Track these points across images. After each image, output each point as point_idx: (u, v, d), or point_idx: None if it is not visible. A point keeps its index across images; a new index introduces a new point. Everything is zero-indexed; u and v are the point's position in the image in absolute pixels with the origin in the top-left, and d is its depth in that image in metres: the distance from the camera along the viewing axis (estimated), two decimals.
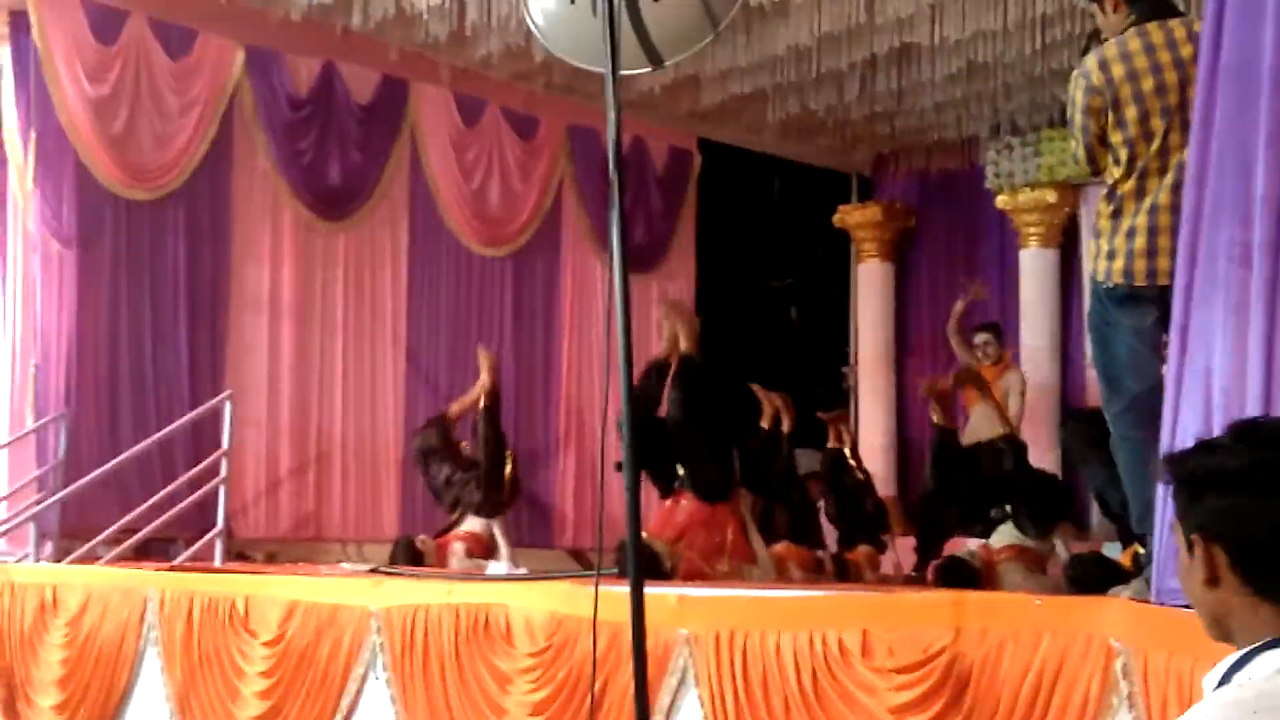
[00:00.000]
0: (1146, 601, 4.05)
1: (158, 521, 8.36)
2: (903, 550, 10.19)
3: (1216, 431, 3.83)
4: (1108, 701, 3.77)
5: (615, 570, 5.69)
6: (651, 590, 4.20)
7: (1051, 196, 11.82)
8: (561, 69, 9.63)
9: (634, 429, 3.84)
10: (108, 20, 9.20)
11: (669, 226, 12.11)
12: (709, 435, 8.03)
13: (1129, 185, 4.56)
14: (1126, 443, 4.58)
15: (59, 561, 8.21)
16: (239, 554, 9.22)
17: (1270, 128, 3.78)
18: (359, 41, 10.12)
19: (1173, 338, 4.06)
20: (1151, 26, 4.60)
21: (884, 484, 12.04)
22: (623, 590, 3.85)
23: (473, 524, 9.21)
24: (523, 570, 8.03)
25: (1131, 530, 5.08)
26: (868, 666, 4.31)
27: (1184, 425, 3.93)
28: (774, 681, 4.50)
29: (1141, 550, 4.90)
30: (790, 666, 4.47)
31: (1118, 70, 4.54)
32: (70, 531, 8.54)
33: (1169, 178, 4.48)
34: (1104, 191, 4.67)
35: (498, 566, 8.51)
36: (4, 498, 8.79)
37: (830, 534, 9.94)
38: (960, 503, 8.65)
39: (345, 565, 8.59)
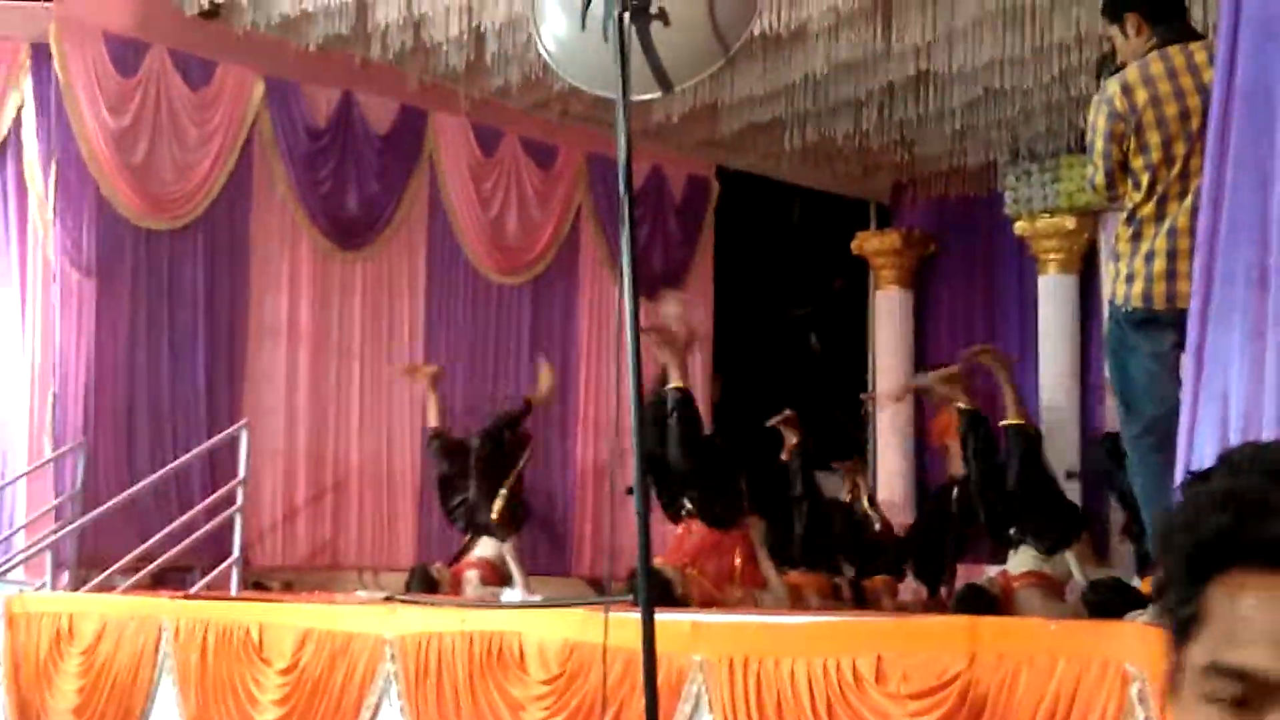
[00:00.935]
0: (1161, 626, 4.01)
1: (174, 550, 8.37)
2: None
3: None
4: None
5: (628, 597, 5.66)
6: (664, 617, 4.18)
7: (1070, 223, 11.78)
8: (579, 98, 9.65)
9: (644, 455, 3.83)
10: (128, 52, 9.26)
11: (687, 255, 12.11)
12: (714, 463, 8.02)
13: (1148, 209, 4.54)
14: (1144, 466, 4.55)
15: (75, 590, 8.21)
16: (255, 582, 9.21)
17: None
18: (377, 72, 10.16)
19: (1189, 360, 4.04)
20: (1173, 50, 4.58)
21: (902, 512, 11.99)
22: (635, 617, 3.83)
23: (485, 549, 9.20)
24: (537, 597, 8.01)
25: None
26: (882, 692, 4.27)
27: (1200, 448, 3.90)
28: (788, 708, 4.47)
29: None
30: (805, 693, 4.44)
31: (1141, 95, 4.52)
32: (87, 560, 8.54)
33: (1188, 201, 4.46)
34: (1123, 215, 4.66)
35: (512, 594, 8.49)
36: (22, 527, 8.81)
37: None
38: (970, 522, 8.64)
39: (361, 593, 8.59)
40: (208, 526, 8.52)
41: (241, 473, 8.74)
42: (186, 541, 8.39)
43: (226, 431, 8.98)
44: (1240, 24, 4.00)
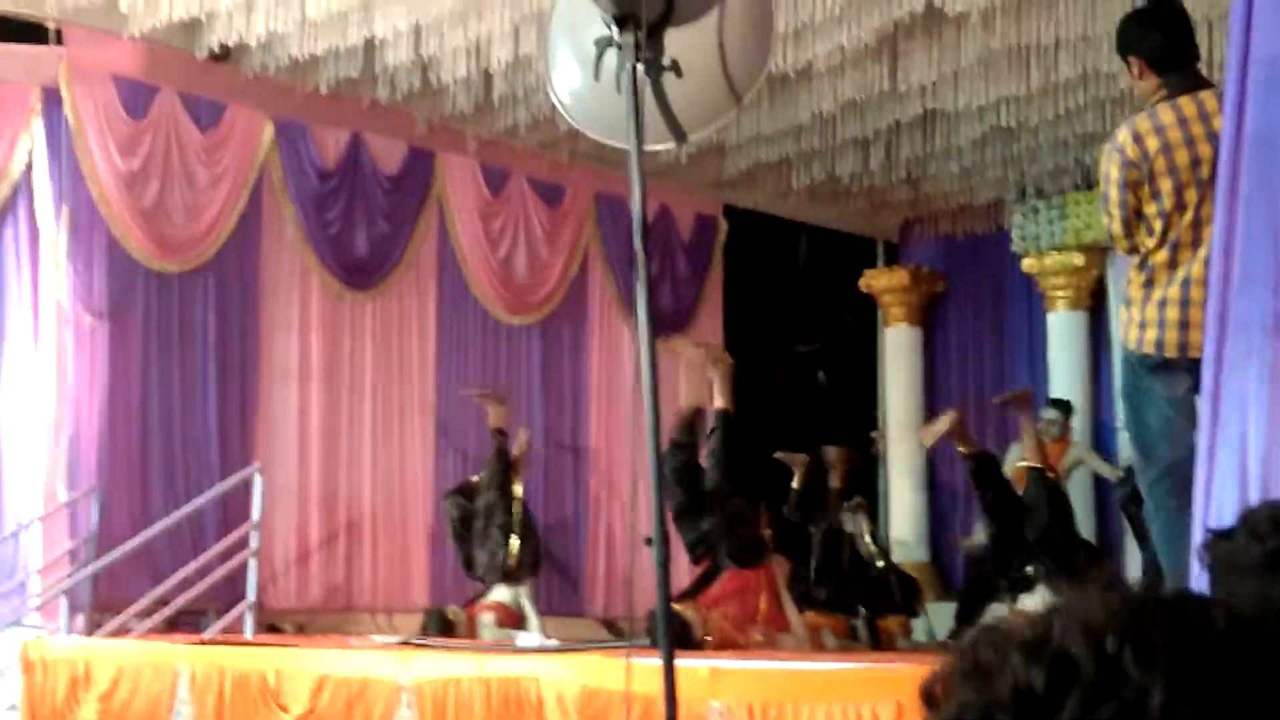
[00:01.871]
0: None
1: (189, 594, 8.37)
2: (937, 616, 10.13)
3: (1252, 499, 3.82)
4: None
5: (645, 641, 5.66)
6: (683, 662, 4.18)
7: (1079, 259, 11.81)
8: (587, 137, 9.69)
9: (661, 500, 3.83)
10: (138, 95, 9.32)
11: (695, 293, 12.15)
12: (745, 496, 8.02)
13: (1161, 255, 4.55)
14: (1161, 512, 4.55)
15: (90, 634, 8.21)
16: (269, 625, 9.21)
17: None
18: (386, 113, 10.22)
19: (1204, 406, 4.04)
20: (1183, 100, 4.59)
21: (913, 550, 11.98)
22: (654, 663, 3.83)
23: (501, 594, 9.19)
24: (553, 642, 7.99)
25: None
26: None
27: (1218, 495, 3.90)
28: None
29: None
30: None
31: (1152, 143, 4.54)
32: (102, 604, 8.55)
33: (1202, 250, 4.46)
34: (1136, 260, 4.66)
35: (528, 638, 8.48)
36: (37, 571, 8.81)
37: None
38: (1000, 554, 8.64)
39: (375, 637, 8.58)
40: (222, 569, 8.52)
41: (255, 515, 8.75)
42: (201, 585, 8.39)
43: (240, 474, 8.99)
44: (1249, 67, 4.02)
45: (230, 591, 8.71)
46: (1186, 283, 4.47)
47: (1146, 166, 4.53)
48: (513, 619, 9.00)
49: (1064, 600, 0.90)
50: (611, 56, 3.80)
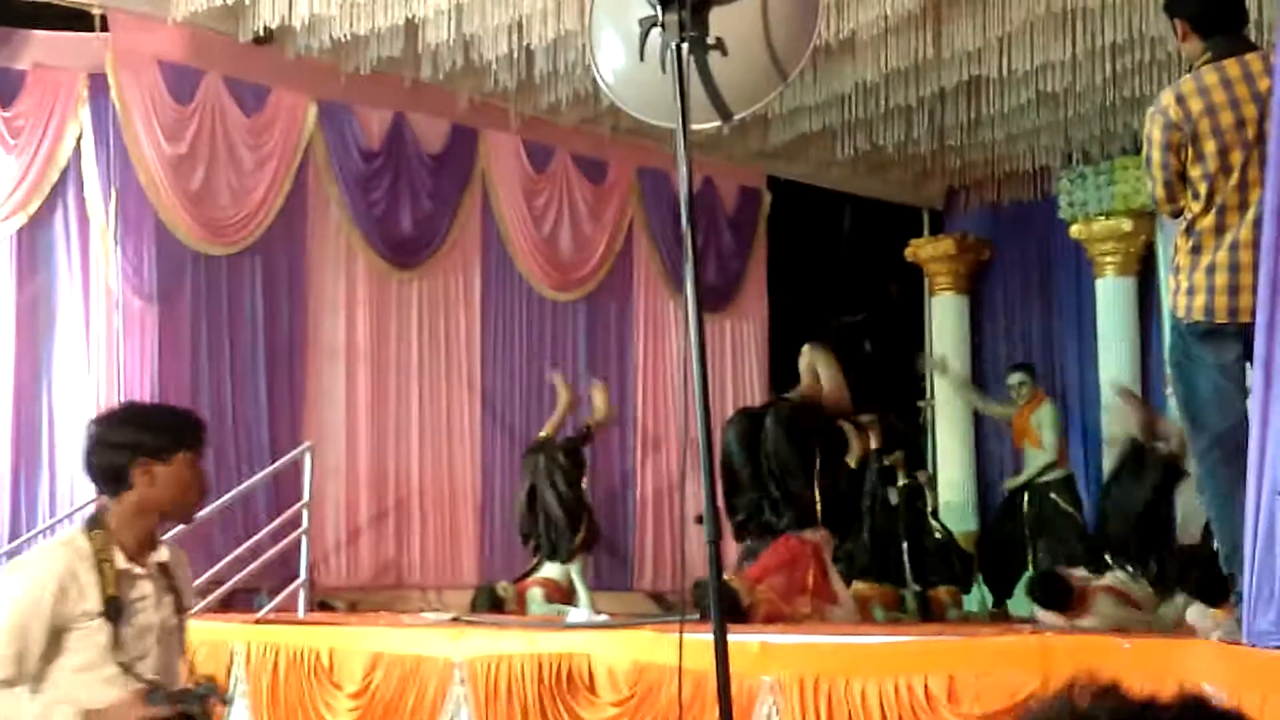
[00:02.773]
0: (1238, 643, 3.99)
1: (243, 573, 8.44)
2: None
3: None
4: None
5: (696, 616, 5.68)
6: (734, 637, 4.19)
7: (1127, 225, 11.71)
8: (629, 113, 9.69)
9: (713, 483, 3.84)
10: (183, 80, 9.37)
11: (740, 265, 12.13)
12: (806, 465, 8.04)
13: (1208, 220, 4.50)
14: (1212, 481, 4.51)
15: None
16: (321, 603, 9.28)
17: None
18: (428, 92, 10.24)
19: (1256, 373, 4.01)
20: (1229, 62, 4.54)
21: (961, 518, 11.93)
22: (705, 638, 3.84)
23: (550, 569, 9.23)
24: (603, 617, 8.02)
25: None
26: (954, 712, 4.27)
27: (1272, 461, 3.87)
28: None
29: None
30: (876, 713, 4.44)
31: (1195, 105, 4.49)
32: None
33: (1250, 213, 4.41)
34: (1182, 226, 4.61)
35: (578, 613, 8.51)
36: None
37: None
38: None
39: (427, 614, 8.63)
40: (275, 549, 8.59)
41: (306, 494, 8.80)
42: (254, 564, 8.46)
43: (291, 454, 9.05)
44: None
45: (283, 570, 8.77)
46: (1235, 247, 4.42)
47: (1190, 128, 4.49)
48: (562, 594, 9.03)
49: (1054, 698, 0.89)
50: (656, 36, 3.79)
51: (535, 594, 8.97)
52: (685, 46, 3.75)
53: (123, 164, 9.14)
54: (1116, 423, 10.04)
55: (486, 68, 9.74)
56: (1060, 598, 7.27)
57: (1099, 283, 11.94)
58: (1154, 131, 4.60)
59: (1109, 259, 11.85)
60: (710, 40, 3.79)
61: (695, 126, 3.91)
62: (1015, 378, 10.61)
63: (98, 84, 9.16)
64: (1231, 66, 4.51)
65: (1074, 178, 11.99)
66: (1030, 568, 9.82)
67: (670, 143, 3.76)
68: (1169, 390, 8.09)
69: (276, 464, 9.07)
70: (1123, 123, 10.89)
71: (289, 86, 9.84)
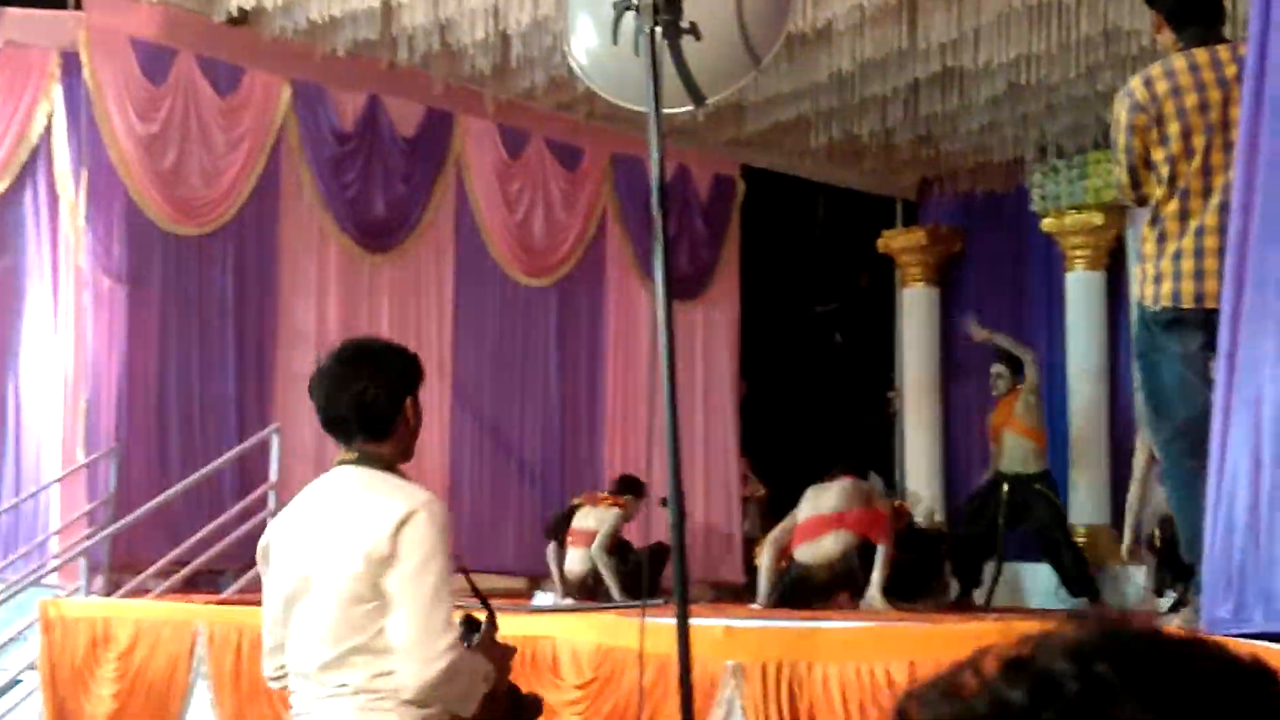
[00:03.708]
0: (1195, 630, 4.02)
1: (207, 554, 8.42)
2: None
3: (1266, 459, 3.82)
4: None
5: (659, 601, 5.68)
6: (698, 621, 4.20)
7: (1098, 219, 11.75)
8: (605, 98, 9.69)
9: (677, 461, 3.84)
10: (157, 59, 9.32)
11: (713, 254, 12.12)
12: None
13: (1172, 206, 4.54)
14: (1175, 471, 4.55)
15: (110, 595, 8.28)
16: None
17: None
18: (403, 75, 10.21)
19: (1220, 365, 4.04)
20: (1197, 50, 4.60)
21: (929, 507, 11.98)
22: (669, 622, 3.85)
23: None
24: (569, 601, 8.03)
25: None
26: None
27: (1233, 455, 3.90)
28: (821, 713, 4.48)
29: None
30: (837, 698, 4.45)
31: (1161, 87, 4.55)
32: (121, 565, 8.61)
33: (1214, 199, 4.46)
34: (1149, 216, 4.65)
35: (544, 596, 8.52)
36: (56, 532, 8.88)
37: None
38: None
39: None
40: (240, 530, 8.57)
41: (273, 476, 8.79)
42: (219, 545, 8.44)
43: (257, 435, 9.03)
44: (1270, 29, 4.00)
45: (248, 552, 8.72)
46: (1200, 232, 4.47)
47: (1155, 110, 4.53)
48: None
49: (1057, 627, 0.89)
50: (630, 19, 3.80)
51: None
52: (659, 30, 3.76)
53: (94, 143, 9.08)
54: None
55: (462, 51, 9.72)
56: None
57: (1069, 276, 11.98)
58: (1121, 114, 4.66)
59: (1079, 252, 11.90)
60: (684, 24, 3.80)
61: (668, 110, 3.91)
62: (996, 369, 10.56)
63: (70, 62, 9.10)
64: (1200, 54, 4.57)
65: (1046, 171, 12.03)
66: (997, 559, 9.89)
67: (645, 129, 3.76)
68: (1137, 385, 8.16)
69: (243, 445, 9.05)
70: (1096, 116, 10.92)
71: (263, 67, 9.79)
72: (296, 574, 3.26)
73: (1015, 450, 10.13)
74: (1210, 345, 4.36)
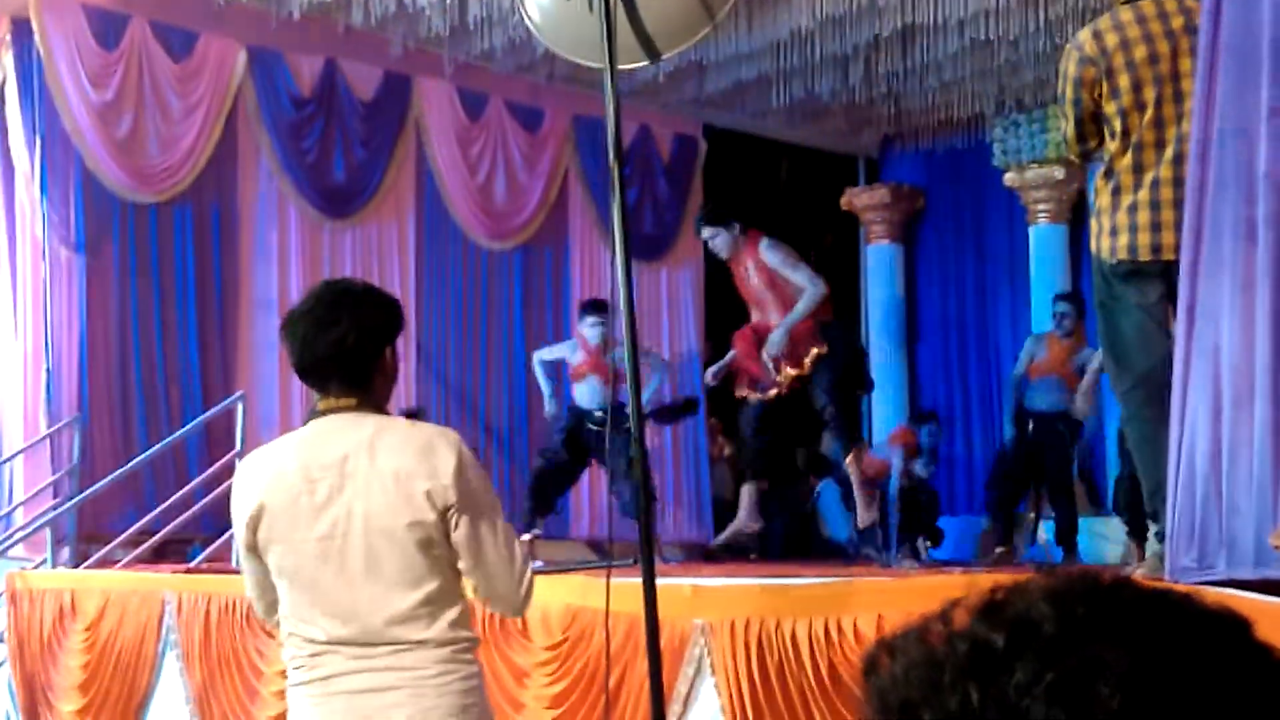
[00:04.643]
0: (1160, 579, 4.05)
1: (174, 523, 8.39)
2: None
3: (1226, 408, 3.84)
4: None
5: (629, 561, 5.68)
6: (665, 581, 4.21)
7: (1059, 172, 11.78)
8: (564, 60, 9.62)
9: (641, 421, 3.84)
10: (109, 25, 9.22)
11: (676, 214, 12.10)
12: None
13: (1126, 160, 4.55)
14: (1136, 421, 4.57)
15: (77, 566, 8.24)
16: None
17: (1272, 103, 3.77)
18: (361, 38, 10.12)
19: (1180, 316, 4.05)
20: (1144, 2, 4.60)
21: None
22: (637, 581, 3.85)
23: None
24: (538, 563, 8.02)
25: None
26: None
27: (1193, 405, 3.92)
28: (790, 669, 4.50)
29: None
30: (806, 654, 4.47)
31: (1110, 40, 4.55)
32: (87, 535, 8.57)
33: (1168, 151, 4.46)
34: (1102, 169, 4.66)
35: None
36: (20, 504, 8.83)
37: None
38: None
39: None
40: (206, 499, 8.54)
41: (238, 444, 8.74)
42: (186, 514, 8.41)
43: (222, 404, 8.99)
44: None
45: (216, 520, 8.72)
46: (1156, 184, 4.47)
47: (1104, 63, 4.53)
48: None
49: (1030, 577, 0.89)
50: None
51: None
52: None
53: (47, 111, 9.00)
54: None
55: (420, 13, 9.64)
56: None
57: (1032, 230, 12.02)
58: (1069, 67, 4.66)
59: (1042, 206, 11.93)
60: None
61: (623, 67, 3.89)
62: (1060, 307, 9.44)
63: (20, 29, 9.00)
64: (1146, 6, 4.57)
65: (1007, 125, 12.05)
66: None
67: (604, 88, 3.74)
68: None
69: (208, 413, 9.00)
70: (1056, 70, 10.88)
71: (218, 32, 9.69)
72: (327, 531, 3.02)
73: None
74: (1169, 296, 4.37)
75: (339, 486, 3.03)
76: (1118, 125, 4.53)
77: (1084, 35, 4.63)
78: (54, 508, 8.58)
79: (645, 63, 4.00)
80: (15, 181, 9.08)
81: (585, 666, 5.14)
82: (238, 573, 7.65)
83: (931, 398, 12.40)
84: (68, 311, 9.03)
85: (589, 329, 9.06)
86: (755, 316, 8.13)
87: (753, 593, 4.95)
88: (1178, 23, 4.47)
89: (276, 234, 10.04)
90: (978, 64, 10.96)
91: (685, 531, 11.50)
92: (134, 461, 8.54)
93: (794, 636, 4.50)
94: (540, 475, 9.11)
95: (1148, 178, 4.49)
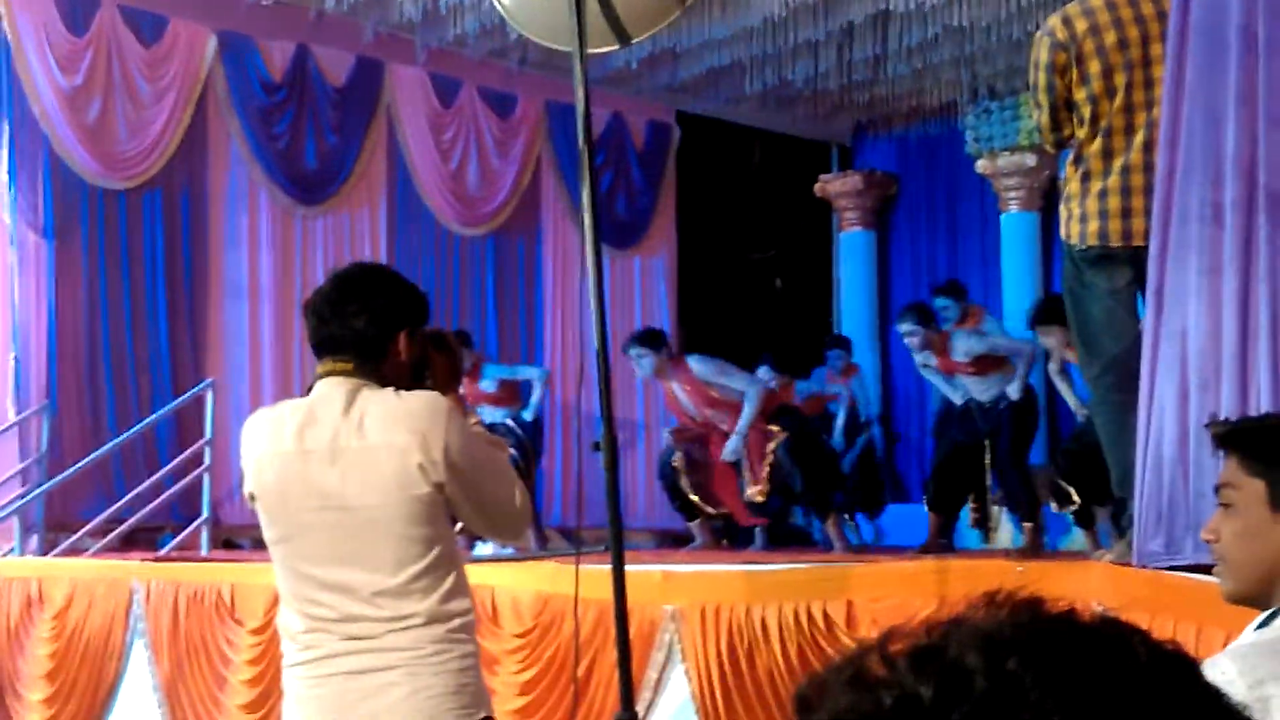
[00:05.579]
0: (1128, 565, 4.06)
1: (143, 512, 8.35)
2: (889, 515, 10.23)
3: (1193, 392, 3.85)
4: None
5: (600, 548, 5.67)
6: (635, 568, 4.20)
7: (1031, 160, 11.80)
8: (537, 46, 9.57)
9: (611, 410, 3.83)
10: (78, 9, 9.15)
11: (649, 201, 12.08)
12: None
13: (1095, 146, 4.55)
14: (1105, 406, 4.57)
15: (45, 554, 8.19)
16: (226, 541, 9.20)
17: (1240, 87, 3.78)
18: (332, 23, 10.07)
19: (1149, 300, 4.06)
20: None
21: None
22: (606, 568, 3.84)
23: None
24: (508, 550, 8.01)
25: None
26: (853, 637, 4.31)
27: (1161, 389, 3.93)
28: (759, 655, 4.51)
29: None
30: (775, 639, 4.47)
31: (1080, 25, 4.55)
32: (55, 524, 8.52)
33: (1138, 137, 4.47)
34: (1071, 155, 4.66)
35: (484, 546, 8.50)
36: None
37: None
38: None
39: None
40: (176, 487, 8.50)
41: (208, 432, 8.70)
42: (155, 502, 8.37)
43: (192, 391, 8.94)
44: None
45: (186, 509, 8.69)
46: (1125, 170, 4.47)
47: (1075, 49, 4.54)
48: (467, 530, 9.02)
49: (969, 612, 0.86)
50: None
51: None
52: None
53: (16, 96, 8.93)
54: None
55: None
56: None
57: (1004, 217, 12.04)
58: (1040, 54, 4.66)
59: (1013, 194, 11.95)
60: None
61: (594, 50, 3.87)
62: (940, 302, 9.39)
63: None
64: None
65: (980, 113, 12.06)
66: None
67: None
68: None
69: (177, 401, 8.95)
70: (1028, 58, 10.92)
71: (188, 17, 9.63)
72: (317, 507, 2.95)
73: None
74: (1138, 280, 4.38)
75: (329, 461, 2.96)
76: (1087, 111, 4.54)
77: (1054, 21, 4.64)
78: (22, 496, 8.53)
79: (616, 46, 3.99)
80: None
81: (556, 653, 5.14)
82: (205, 561, 7.65)
83: (904, 384, 12.42)
84: (36, 298, 8.97)
85: (635, 362, 8.76)
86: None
87: (723, 578, 4.95)
88: (1148, 9, 4.48)
89: (247, 220, 9.98)
90: (950, 51, 10.95)
91: (655, 517, 11.49)
92: (103, 449, 8.49)
93: (764, 622, 4.51)
94: None
95: (1117, 164, 4.49)
